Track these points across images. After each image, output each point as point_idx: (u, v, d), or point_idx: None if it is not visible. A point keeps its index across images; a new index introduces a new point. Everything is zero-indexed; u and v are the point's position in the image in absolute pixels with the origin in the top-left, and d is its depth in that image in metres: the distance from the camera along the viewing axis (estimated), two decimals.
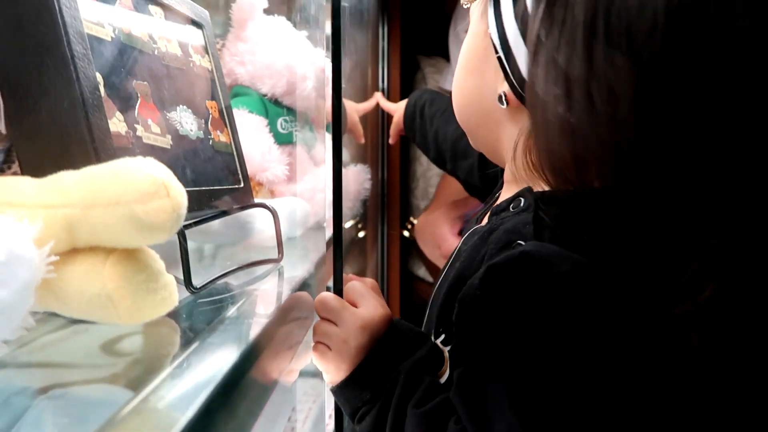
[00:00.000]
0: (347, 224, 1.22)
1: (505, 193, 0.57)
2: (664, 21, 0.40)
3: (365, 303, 0.54)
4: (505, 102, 0.51)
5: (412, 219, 1.77)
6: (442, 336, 0.53)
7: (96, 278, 0.36)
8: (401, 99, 1.75)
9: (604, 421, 0.42)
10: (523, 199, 0.50)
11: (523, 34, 0.48)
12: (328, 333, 0.55)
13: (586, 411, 0.41)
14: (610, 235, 0.44)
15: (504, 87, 0.51)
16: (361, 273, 1.54)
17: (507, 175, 0.57)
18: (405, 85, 1.77)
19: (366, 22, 1.46)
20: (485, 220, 0.58)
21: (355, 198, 1.06)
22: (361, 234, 1.49)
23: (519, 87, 0.50)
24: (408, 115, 1.06)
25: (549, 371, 0.42)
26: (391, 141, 1.19)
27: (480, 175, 0.88)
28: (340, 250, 0.56)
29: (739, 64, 0.41)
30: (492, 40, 0.51)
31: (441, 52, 1.68)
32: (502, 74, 0.51)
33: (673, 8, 0.40)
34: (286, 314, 0.52)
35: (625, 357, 0.42)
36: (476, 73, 0.55)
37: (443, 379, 0.52)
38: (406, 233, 1.78)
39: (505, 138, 0.54)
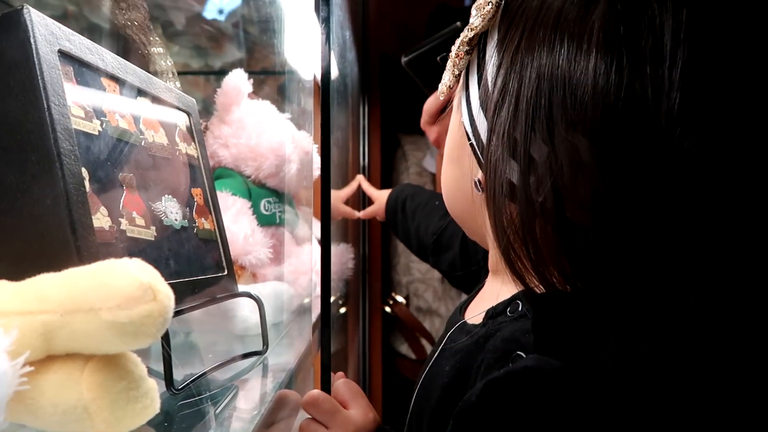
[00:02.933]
0: None
1: (491, 284, 0.56)
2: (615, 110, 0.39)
3: (356, 405, 0.52)
4: (480, 189, 0.50)
5: (393, 295, 1.75)
6: None
7: (72, 388, 0.34)
8: (382, 176, 1.78)
9: None
10: (520, 303, 0.48)
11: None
12: None
13: None
14: (601, 334, 0.42)
15: (479, 174, 0.50)
16: (342, 350, 1.50)
17: (491, 263, 0.56)
18: (385, 162, 1.79)
19: (347, 101, 1.49)
20: (469, 312, 0.56)
21: (338, 278, 1.04)
22: (343, 310, 1.46)
23: None
24: (390, 209, 1.07)
25: None
26: (361, 216, 1.20)
27: (462, 267, 0.88)
28: (328, 347, 0.54)
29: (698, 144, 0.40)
30: (465, 129, 0.51)
31: (421, 129, 1.73)
32: (476, 161, 0.51)
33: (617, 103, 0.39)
34: (271, 416, 0.49)
35: None
36: (457, 162, 0.55)
37: None
38: (387, 309, 1.75)
39: (488, 225, 0.54)
